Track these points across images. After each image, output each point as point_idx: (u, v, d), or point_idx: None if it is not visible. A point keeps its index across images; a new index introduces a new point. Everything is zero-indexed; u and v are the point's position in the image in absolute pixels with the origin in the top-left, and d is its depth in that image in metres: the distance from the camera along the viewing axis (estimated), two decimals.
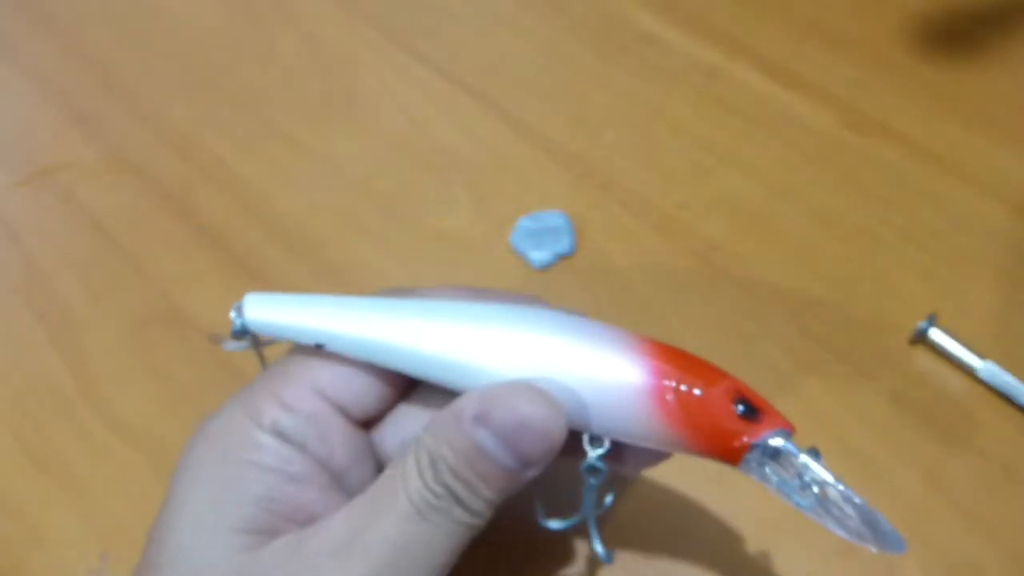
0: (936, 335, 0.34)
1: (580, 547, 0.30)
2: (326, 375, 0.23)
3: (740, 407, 0.21)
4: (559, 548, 0.30)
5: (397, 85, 0.45)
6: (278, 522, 0.22)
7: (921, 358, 0.34)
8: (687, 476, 0.31)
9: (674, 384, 0.21)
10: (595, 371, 0.21)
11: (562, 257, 0.38)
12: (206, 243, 0.39)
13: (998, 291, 0.36)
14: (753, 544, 0.30)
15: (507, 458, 0.21)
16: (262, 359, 0.25)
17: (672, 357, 0.22)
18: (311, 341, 0.23)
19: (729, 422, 0.21)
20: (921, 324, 0.34)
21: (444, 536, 0.21)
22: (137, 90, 0.45)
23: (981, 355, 0.33)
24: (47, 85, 0.46)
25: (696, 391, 0.21)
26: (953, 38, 0.45)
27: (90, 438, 0.34)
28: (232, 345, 0.24)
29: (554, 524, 0.25)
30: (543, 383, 0.21)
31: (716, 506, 0.31)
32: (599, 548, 0.25)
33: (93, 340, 0.36)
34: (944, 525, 0.30)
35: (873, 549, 0.21)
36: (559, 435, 0.21)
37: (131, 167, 0.42)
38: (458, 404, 0.21)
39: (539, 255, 0.37)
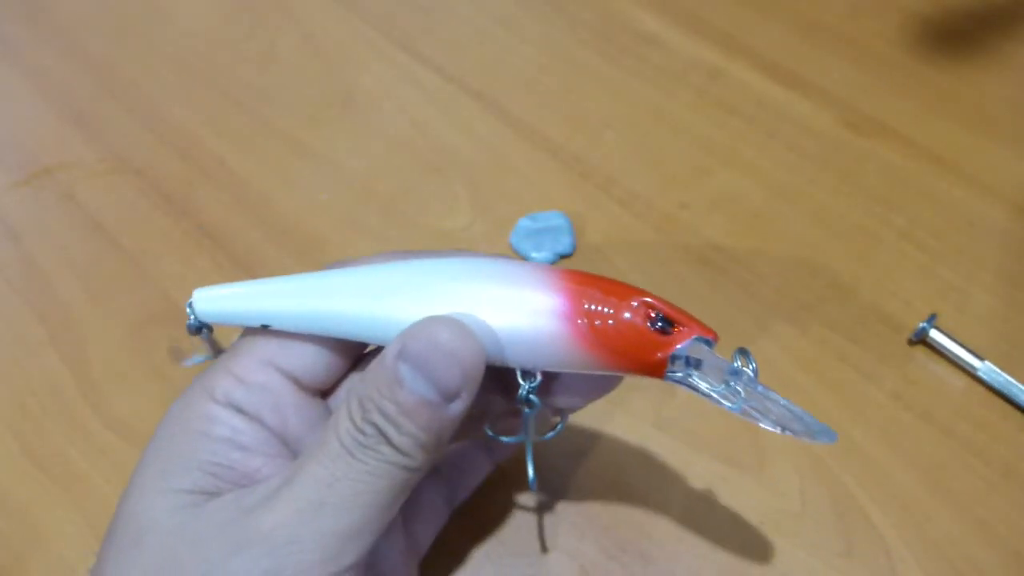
0: (936, 335, 0.34)
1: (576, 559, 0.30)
2: (274, 347, 0.24)
3: (657, 322, 0.22)
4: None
5: (397, 85, 0.45)
6: (223, 485, 0.23)
7: (921, 358, 0.34)
8: (687, 475, 0.31)
9: (585, 306, 0.22)
10: (510, 303, 0.22)
11: (562, 257, 0.38)
12: (206, 243, 0.39)
13: (998, 291, 0.36)
14: (754, 543, 0.30)
15: (423, 386, 0.21)
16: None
17: (584, 281, 0.22)
18: (257, 323, 0.24)
19: (643, 337, 0.21)
20: (921, 324, 0.34)
21: (373, 476, 0.21)
22: (137, 90, 0.45)
23: (981, 355, 0.33)
24: (47, 85, 0.46)
25: (607, 310, 0.22)
26: (953, 38, 0.45)
27: (90, 438, 0.34)
28: (193, 360, 0.26)
29: (500, 438, 0.26)
30: (461, 316, 0.22)
31: (717, 505, 0.31)
32: (531, 473, 0.26)
33: (93, 340, 0.36)
34: (944, 525, 0.30)
35: (807, 440, 0.22)
36: (472, 360, 0.21)
37: (131, 167, 0.42)
38: (386, 348, 0.22)
39: (539, 255, 0.37)
